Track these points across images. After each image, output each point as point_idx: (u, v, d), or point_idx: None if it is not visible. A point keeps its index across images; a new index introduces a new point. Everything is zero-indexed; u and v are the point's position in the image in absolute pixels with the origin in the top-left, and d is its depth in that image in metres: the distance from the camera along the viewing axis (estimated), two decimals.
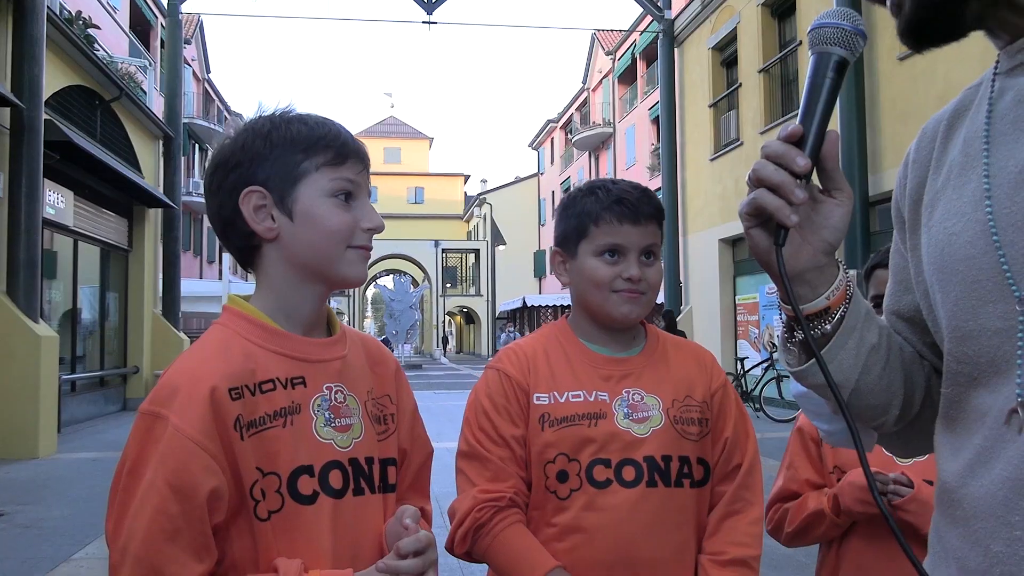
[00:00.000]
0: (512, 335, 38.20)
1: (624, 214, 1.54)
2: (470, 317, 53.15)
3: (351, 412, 1.22)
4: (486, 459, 1.52)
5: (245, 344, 1.16)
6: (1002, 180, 0.79)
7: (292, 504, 1.13)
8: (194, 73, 30.40)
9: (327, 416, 1.19)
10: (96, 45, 13.29)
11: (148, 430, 1.07)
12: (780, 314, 0.97)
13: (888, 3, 0.88)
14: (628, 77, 32.08)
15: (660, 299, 20.06)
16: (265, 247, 1.20)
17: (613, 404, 1.52)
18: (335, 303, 38.96)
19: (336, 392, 1.21)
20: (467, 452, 1.55)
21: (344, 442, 1.19)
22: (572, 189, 1.67)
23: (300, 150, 1.18)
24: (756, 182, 0.86)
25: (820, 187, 0.91)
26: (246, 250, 1.21)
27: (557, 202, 47.59)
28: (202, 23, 30.78)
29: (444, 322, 51.27)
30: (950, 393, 0.84)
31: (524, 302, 38.44)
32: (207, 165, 1.24)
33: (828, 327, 0.91)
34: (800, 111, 0.90)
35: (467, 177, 64.83)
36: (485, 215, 49.87)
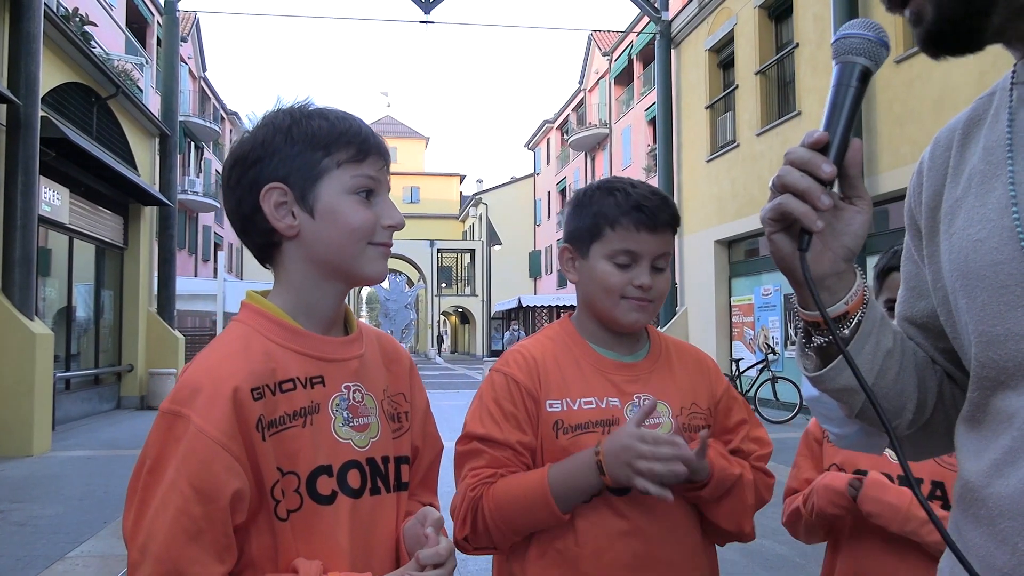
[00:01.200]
0: (516, 333, 38.16)
1: (642, 221, 1.50)
2: (465, 317, 53.09)
3: (369, 411, 1.22)
4: (483, 453, 1.50)
5: (265, 343, 1.15)
6: None
7: (311, 504, 1.12)
8: (190, 71, 30.36)
9: (345, 416, 1.18)
10: (93, 42, 13.27)
11: (169, 429, 1.06)
12: (797, 320, 0.98)
13: (907, 13, 0.89)
14: (625, 78, 32.10)
15: None
16: (285, 244, 1.18)
17: (624, 410, 1.50)
18: None
19: (354, 391, 1.21)
20: (466, 452, 1.52)
21: (362, 442, 1.19)
22: (587, 185, 1.63)
23: (321, 146, 1.16)
24: (781, 188, 0.88)
25: (841, 194, 0.93)
26: (265, 247, 1.20)
27: (553, 203, 47.07)
28: (198, 21, 30.74)
29: (439, 322, 51.24)
30: (976, 397, 0.85)
31: (519, 302, 38.43)
32: (226, 160, 1.23)
33: (846, 332, 0.93)
34: (824, 119, 0.91)
35: (463, 177, 64.87)
36: (481, 215, 49.84)
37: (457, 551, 1.25)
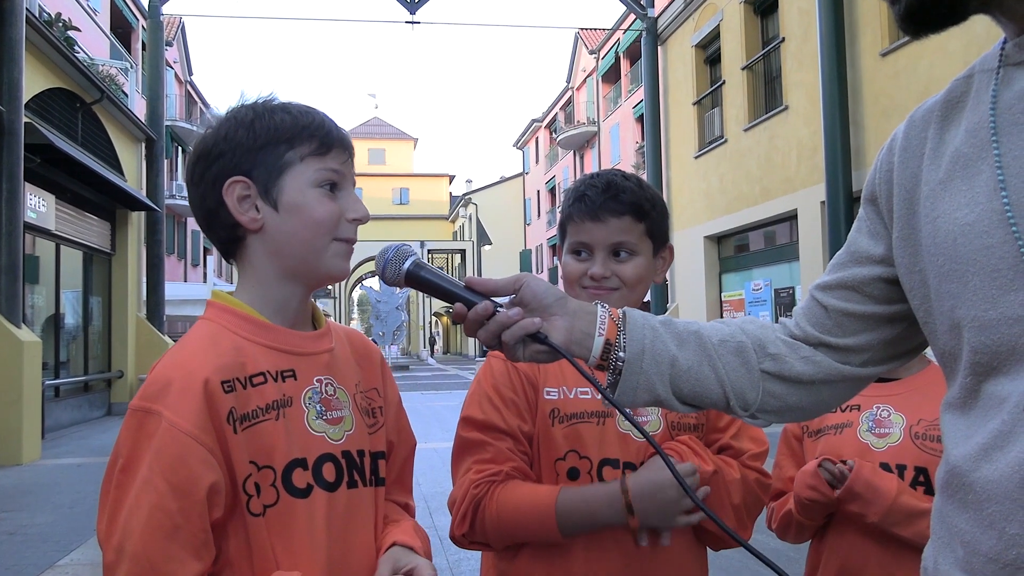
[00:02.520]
0: None
1: (583, 211, 1.52)
2: None
3: (342, 405, 1.21)
4: (487, 445, 1.48)
5: (233, 338, 1.15)
6: (1018, 169, 0.79)
7: (287, 498, 1.11)
8: (176, 75, 30.21)
9: (318, 409, 1.18)
10: (76, 47, 13.18)
11: (140, 426, 1.05)
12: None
13: None
14: (612, 76, 32.11)
15: (646, 296, 20.01)
16: (249, 238, 1.18)
17: None
18: (321, 305, 38.99)
19: (326, 385, 1.20)
20: (469, 441, 1.51)
21: (336, 435, 1.19)
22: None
23: (284, 140, 1.16)
24: (489, 339, 1.04)
25: (508, 303, 1.06)
26: (229, 242, 1.20)
27: (542, 202, 46.98)
28: (184, 25, 30.59)
29: (431, 323, 51.19)
30: (968, 382, 0.84)
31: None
32: (189, 156, 1.23)
33: (622, 354, 1.02)
34: (450, 300, 1.08)
35: (452, 177, 64.76)
36: (471, 215, 49.81)
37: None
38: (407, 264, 1.09)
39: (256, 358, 1.14)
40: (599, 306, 1.05)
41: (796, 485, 1.84)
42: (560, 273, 1.62)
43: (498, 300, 1.06)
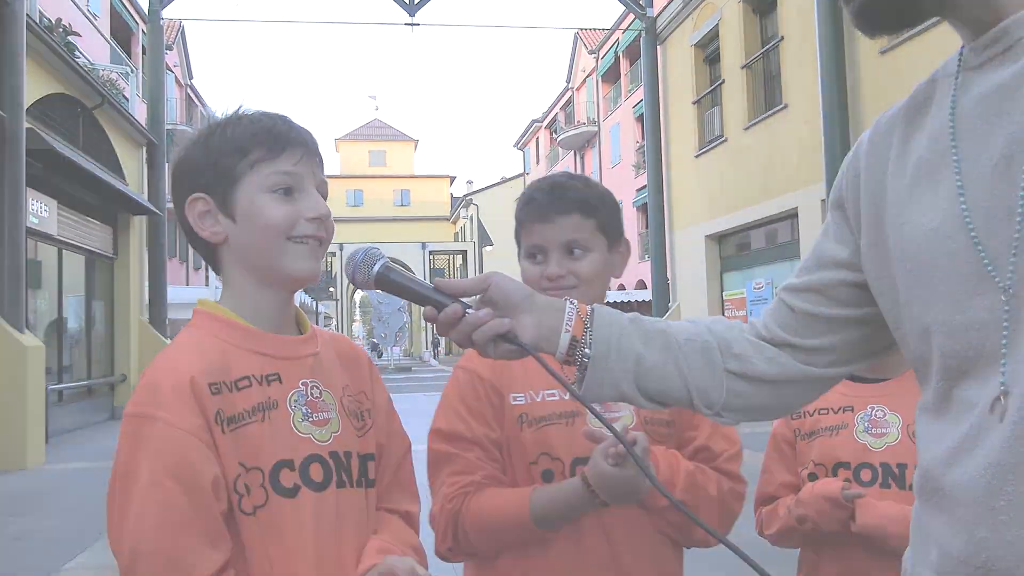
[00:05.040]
0: None
1: (532, 214, 1.54)
2: None
3: (328, 407, 1.23)
4: (455, 457, 1.50)
5: (218, 343, 1.18)
6: (974, 175, 0.80)
7: (275, 498, 1.13)
8: (176, 79, 30.25)
9: (304, 411, 1.20)
10: (77, 52, 13.20)
11: (136, 432, 1.08)
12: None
13: None
14: (612, 75, 32.12)
15: (648, 296, 20.03)
16: (221, 251, 1.22)
17: None
18: (323, 307, 38.98)
19: (312, 388, 1.22)
20: (439, 454, 1.52)
21: (323, 436, 1.20)
22: None
23: (236, 151, 1.19)
24: (459, 341, 1.05)
25: (478, 303, 1.06)
26: (208, 255, 1.25)
27: None
28: (184, 29, 30.62)
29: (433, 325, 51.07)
30: (941, 387, 0.85)
31: None
32: None
33: (588, 351, 1.03)
34: (420, 302, 1.08)
35: (453, 178, 64.73)
36: (472, 216, 49.83)
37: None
38: (377, 268, 1.09)
39: (241, 362, 1.17)
40: (568, 302, 1.06)
41: (818, 515, 1.78)
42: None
43: (467, 300, 1.06)
